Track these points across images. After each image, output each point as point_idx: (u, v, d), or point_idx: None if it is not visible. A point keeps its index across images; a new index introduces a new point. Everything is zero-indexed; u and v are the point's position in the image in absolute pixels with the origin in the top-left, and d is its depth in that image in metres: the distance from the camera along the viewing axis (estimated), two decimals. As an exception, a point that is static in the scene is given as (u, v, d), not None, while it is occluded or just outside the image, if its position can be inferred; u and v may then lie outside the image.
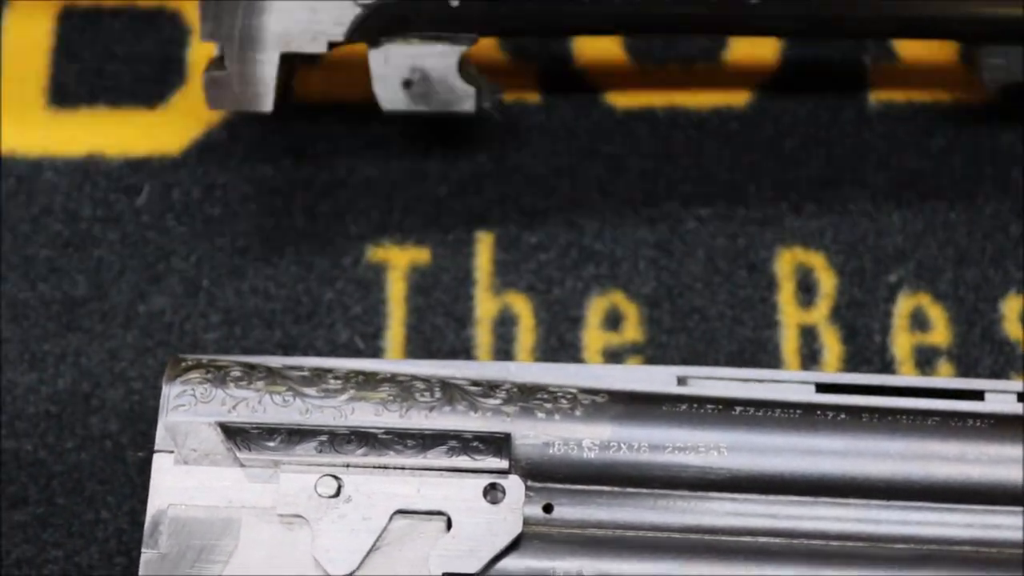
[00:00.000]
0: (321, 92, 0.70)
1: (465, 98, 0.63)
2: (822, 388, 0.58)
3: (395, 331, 0.66)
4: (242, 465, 0.56)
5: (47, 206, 0.68)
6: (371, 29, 0.62)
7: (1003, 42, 0.63)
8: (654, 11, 0.63)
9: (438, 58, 0.63)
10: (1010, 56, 0.64)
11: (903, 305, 0.66)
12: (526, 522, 0.55)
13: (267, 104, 0.62)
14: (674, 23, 0.65)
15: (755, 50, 0.71)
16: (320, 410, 0.57)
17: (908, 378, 0.60)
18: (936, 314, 0.66)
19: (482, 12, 0.62)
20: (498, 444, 0.56)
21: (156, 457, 0.56)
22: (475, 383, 0.58)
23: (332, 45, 0.62)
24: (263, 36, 0.62)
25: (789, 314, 0.66)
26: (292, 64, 0.63)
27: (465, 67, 0.63)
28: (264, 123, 0.69)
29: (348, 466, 0.56)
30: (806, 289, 0.66)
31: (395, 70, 0.63)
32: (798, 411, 0.57)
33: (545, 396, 0.57)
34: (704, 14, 0.64)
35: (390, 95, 0.63)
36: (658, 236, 0.67)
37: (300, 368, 0.58)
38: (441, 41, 0.63)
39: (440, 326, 0.66)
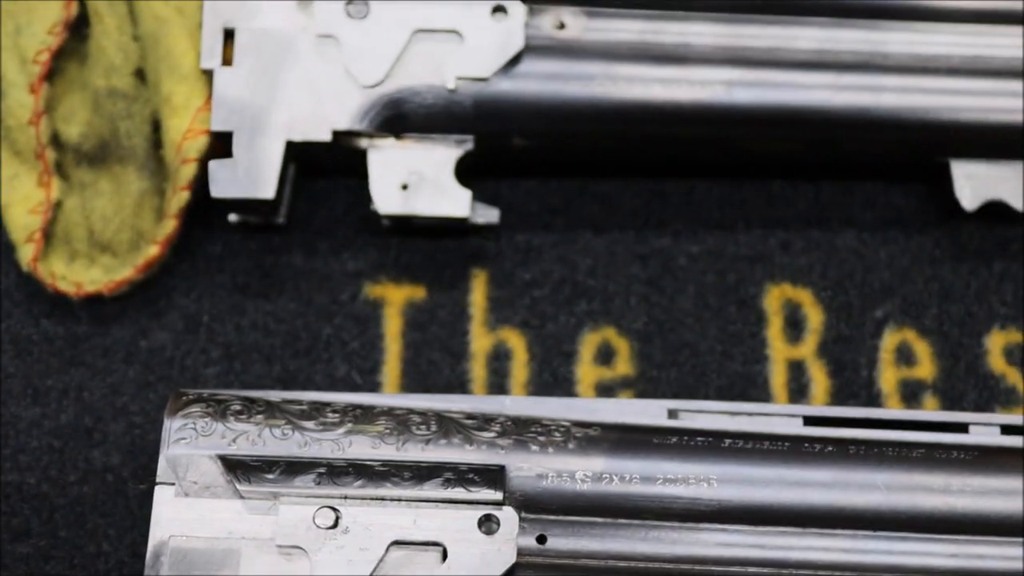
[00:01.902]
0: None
1: (460, 202, 0.63)
2: (809, 421, 0.59)
3: (392, 366, 0.66)
4: (242, 497, 0.57)
5: (51, 244, 0.69)
6: (374, 120, 0.63)
7: (975, 156, 0.65)
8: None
9: (435, 160, 0.64)
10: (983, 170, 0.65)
11: (889, 340, 0.67)
12: (520, 553, 0.56)
13: (269, 191, 0.63)
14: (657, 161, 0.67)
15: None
16: (318, 443, 0.57)
17: (893, 411, 0.61)
18: (921, 349, 0.66)
19: (479, 105, 0.63)
20: (493, 476, 0.57)
21: (157, 489, 0.57)
22: (470, 416, 0.58)
23: (336, 133, 0.63)
24: (270, 124, 0.63)
25: (777, 349, 0.66)
26: (295, 151, 0.65)
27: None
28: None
29: (346, 498, 0.57)
30: (794, 324, 0.67)
31: (393, 173, 0.64)
32: (786, 444, 0.58)
33: (539, 429, 0.58)
34: (703, 160, 0.67)
35: (386, 197, 0.64)
36: (649, 272, 0.68)
37: (299, 402, 0.58)
38: (438, 143, 0.64)
39: (436, 361, 0.67)
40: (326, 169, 0.68)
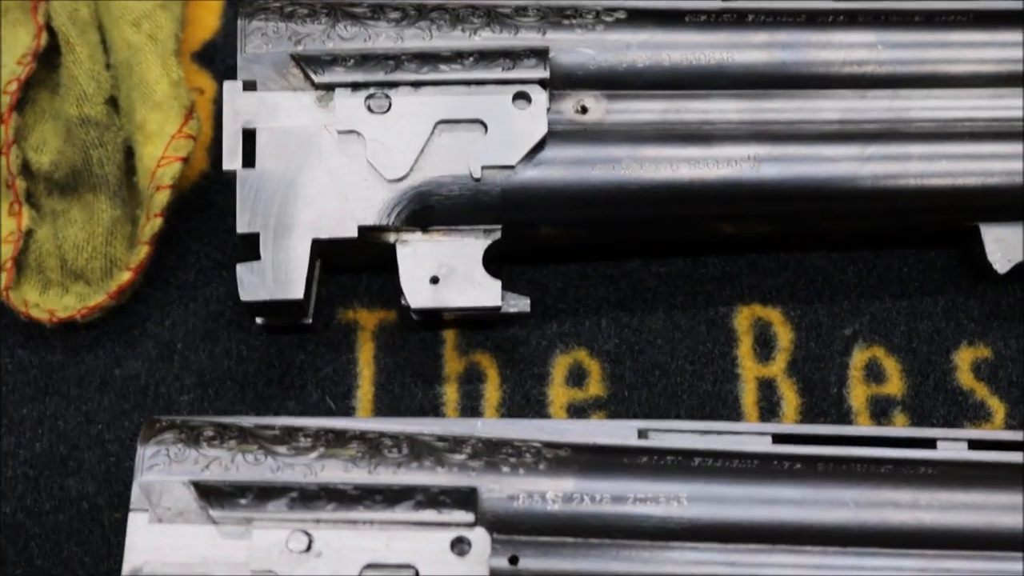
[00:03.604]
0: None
1: (491, 292, 0.63)
2: (778, 439, 0.59)
3: (365, 390, 0.67)
4: (215, 522, 0.57)
5: (24, 273, 0.69)
6: (400, 214, 0.63)
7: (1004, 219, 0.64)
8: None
9: (464, 252, 0.63)
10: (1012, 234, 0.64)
11: (858, 358, 0.67)
12: (492, 574, 0.56)
13: (298, 291, 0.62)
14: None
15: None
16: (291, 467, 0.57)
17: (861, 428, 0.62)
18: (890, 366, 0.67)
19: (505, 194, 0.63)
20: (464, 498, 0.57)
21: (131, 516, 0.57)
22: (442, 439, 0.59)
23: (363, 229, 0.62)
24: (295, 223, 0.62)
25: (748, 368, 0.67)
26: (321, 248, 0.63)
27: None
28: (236, 191, 0.70)
29: (318, 521, 0.57)
30: (764, 343, 0.67)
31: (422, 267, 0.63)
32: (755, 461, 0.58)
33: (510, 451, 0.58)
34: (730, 236, 0.67)
35: (417, 292, 0.63)
36: (619, 294, 0.68)
37: (271, 427, 0.59)
38: (466, 234, 0.63)
39: (409, 385, 0.67)
40: (352, 264, 0.67)
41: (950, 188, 0.63)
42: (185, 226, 0.69)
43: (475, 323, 0.67)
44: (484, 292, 0.63)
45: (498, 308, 0.63)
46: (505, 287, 0.65)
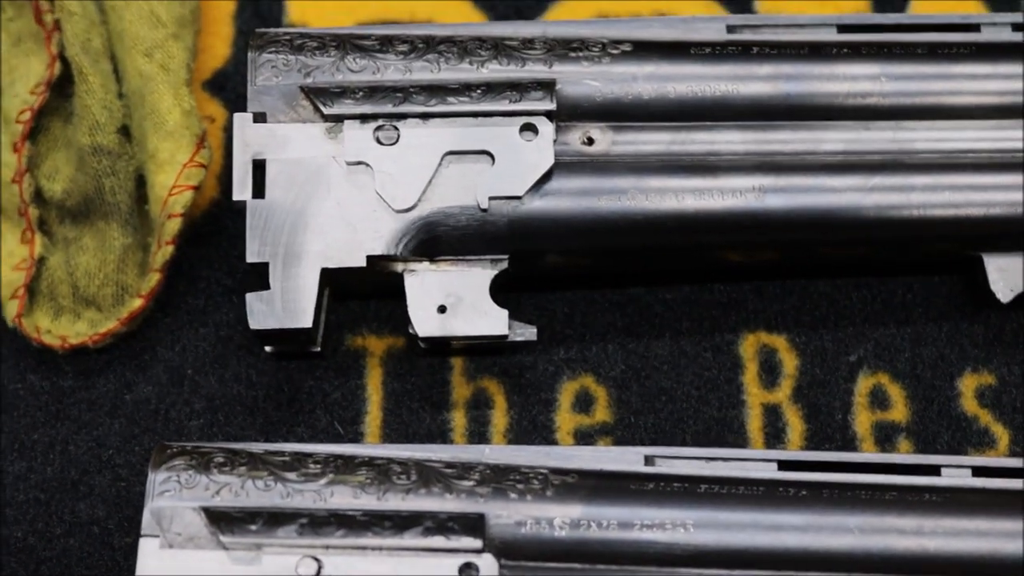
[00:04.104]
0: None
1: (498, 321, 0.63)
2: (784, 466, 0.60)
3: (373, 415, 0.67)
4: (225, 548, 0.57)
5: (36, 299, 0.69)
6: (408, 244, 0.63)
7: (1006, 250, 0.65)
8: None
9: (471, 281, 0.63)
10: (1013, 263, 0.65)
11: (863, 384, 0.67)
12: (500, 599, 0.56)
13: (307, 319, 0.62)
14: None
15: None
16: (300, 494, 0.58)
17: (866, 455, 0.62)
18: (895, 392, 0.67)
19: (513, 224, 0.63)
20: (472, 524, 0.57)
21: (142, 541, 0.57)
22: (450, 465, 0.59)
23: (371, 259, 0.63)
24: (304, 253, 0.63)
25: (753, 394, 0.67)
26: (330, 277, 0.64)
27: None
28: (246, 218, 0.70)
29: (328, 547, 0.57)
30: (769, 370, 0.68)
31: (430, 296, 0.63)
32: (761, 488, 0.59)
33: (518, 477, 0.59)
34: (735, 266, 0.68)
35: (424, 321, 0.63)
36: (626, 320, 0.68)
37: (281, 453, 0.59)
38: (473, 264, 0.64)
39: (417, 410, 0.67)
40: (360, 293, 0.68)
41: (953, 218, 0.64)
42: (195, 252, 0.70)
43: (482, 351, 0.68)
44: (491, 321, 0.63)
45: (505, 337, 0.63)
46: (512, 313, 0.65)
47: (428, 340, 0.64)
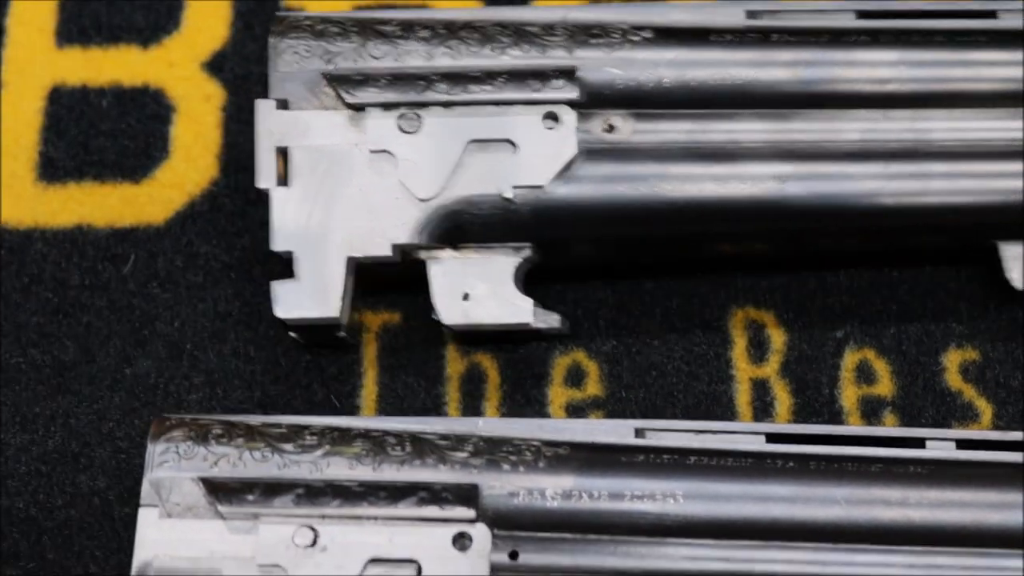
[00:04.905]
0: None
1: (522, 310, 0.63)
2: (772, 438, 0.60)
3: (369, 389, 0.67)
4: (223, 518, 0.58)
5: (38, 275, 0.70)
6: (432, 232, 0.63)
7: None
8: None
9: (495, 270, 0.64)
10: None
11: (849, 359, 0.68)
12: (493, 568, 0.57)
13: (335, 309, 0.62)
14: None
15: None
16: (297, 464, 0.58)
17: (852, 428, 0.62)
18: (881, 367, 0.68)
19: (536, 213, 0.63)
20: (466, 495, 0.58)
21: (141, 511, 0.58)
22: (444, 437, 0.60)
23: (396, 248, 0.63)
24: (330, 242, 0.63)
25: (742, 369, 0.68)
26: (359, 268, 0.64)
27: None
28: (243, 196, 0.71)
29: (324, 517, 0.58)
30: (758, 345, 0.68)
31: (454, 284, 0.63)
32: (749, 460, 0.59)
33: (510, 449, 0.59)
34: (756, 254, 0.68)
35: (449, 309, 0.63)
36: (617, 297, 0.69)
37: (278, 425, 0.60)
38: (497, 252, 0.64)
39: (412, 384, 0.68)
40: (383, 281, 0.68)
41: (971, 206, 0.64)
42: (194, 229, 0.70)
43: (514, 340, 0.68)
44: (516, 309, 0.63)
45: (528, 325, 0.64)
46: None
47: (453, 328, 0.64)
